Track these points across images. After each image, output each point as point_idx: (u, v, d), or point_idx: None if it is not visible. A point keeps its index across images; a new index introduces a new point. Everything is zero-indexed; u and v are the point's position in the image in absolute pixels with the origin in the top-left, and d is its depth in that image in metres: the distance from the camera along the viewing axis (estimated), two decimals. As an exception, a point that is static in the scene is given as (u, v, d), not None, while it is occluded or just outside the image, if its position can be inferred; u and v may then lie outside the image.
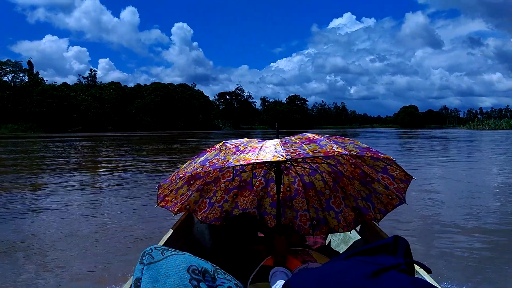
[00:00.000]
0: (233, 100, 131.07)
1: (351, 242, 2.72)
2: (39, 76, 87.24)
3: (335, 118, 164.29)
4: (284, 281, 1.54)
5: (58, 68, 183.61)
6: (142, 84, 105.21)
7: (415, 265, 1.35)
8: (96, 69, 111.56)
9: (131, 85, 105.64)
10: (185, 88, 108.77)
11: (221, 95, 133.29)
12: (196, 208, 2.63)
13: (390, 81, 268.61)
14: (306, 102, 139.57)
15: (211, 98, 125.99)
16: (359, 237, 2.62)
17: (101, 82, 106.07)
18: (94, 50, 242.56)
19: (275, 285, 1.63)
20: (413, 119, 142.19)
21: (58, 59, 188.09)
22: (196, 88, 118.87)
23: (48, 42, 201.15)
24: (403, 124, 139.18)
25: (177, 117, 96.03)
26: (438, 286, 1.31)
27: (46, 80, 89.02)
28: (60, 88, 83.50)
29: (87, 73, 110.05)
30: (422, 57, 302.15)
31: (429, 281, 1.39)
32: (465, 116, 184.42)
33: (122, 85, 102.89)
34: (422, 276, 1.55)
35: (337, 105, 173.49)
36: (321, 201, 2.62)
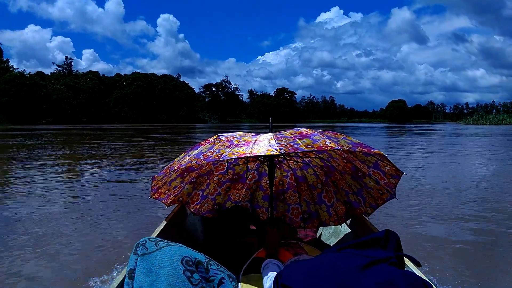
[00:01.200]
0: (220, 93, 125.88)
1: (342, 236, 2.73)
2: (9, 63, 79.72)
3: (323, 112, 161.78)
4: (276, 273, 1.55)
5: (41, 59, 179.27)
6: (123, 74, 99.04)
7: (405, 258, 1.39)
8: (72, 58, 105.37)
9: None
10: (168, 79, 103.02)
11: (207, 87, 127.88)
12: (189, 200, 2.63)
13: (376, 76, 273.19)
14: (295, 95, 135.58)
15: (198, 91, 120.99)
16: (350, 231, 2.65)
17: (77, 71, 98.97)
18: (78, 40, 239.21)
19: (267, 276, 1.65)
20: (401, 114, 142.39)
21: (41, 49, 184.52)
22: (181, 80, 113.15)
23: (31, 32, 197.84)
24: (391, 118, 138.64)
25: (159, 109, 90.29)
26: (426, 279, 1.33)
27: (16, 68, 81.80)
28: (31, 77, 76.76)
29: (62, 62, 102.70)
30: (407, 53, 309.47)
31: (418, 274, 1.44)
32: (451, 111, 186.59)
33: (101, 75, 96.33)
34: (411, 269, 1.59)
35: (325, 99, 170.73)
36: (313, 195, 2.64)
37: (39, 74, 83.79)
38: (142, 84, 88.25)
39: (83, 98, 78.70)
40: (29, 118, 69.26)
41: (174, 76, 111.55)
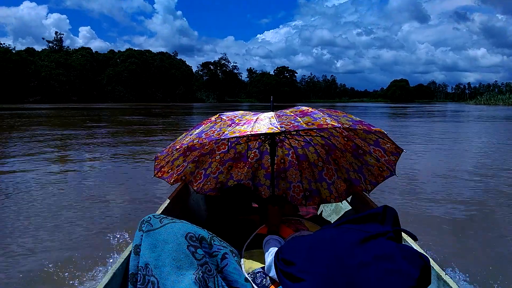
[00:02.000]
0: (218, 71, 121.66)
1: (342, 212, 2.77)
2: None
3: (324, 91, 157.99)
4: (277, 248, 1.58)
5: (37, 36, 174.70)
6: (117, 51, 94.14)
7: (402, 233, 1.42)
8: (62, 33, 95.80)
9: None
10: (164, 56, 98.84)
11: (205, 65, 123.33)
12: (192, 179, 2.66)
13: (377, 55, 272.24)
14: (295, 74, 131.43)
15: (196, 69, 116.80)
16: (350, 208, 2.68)
17: (68, 47, 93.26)
18: (74, 18, 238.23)
19: (268, 251, 1.68)
20: (403, 94, 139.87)
21: (37, 26, 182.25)
22: (178, 57, 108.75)
23: (26, 9, 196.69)
24: (393, 98, 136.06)
25: (155, 88, 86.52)
26: (423, 252, 1.37)
27: (3, 44, 77.19)
28: (17, 53, 72.60)
29: (52, 37, 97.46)
30: (408, 31, 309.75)
31: (415, 248, 1.46)
32: (453, 91, 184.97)
33: (94, 51, 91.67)
34: (408, 243, 1.63)
35: (326, 78, 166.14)
36: (314, 172, 2.65)
37: (29, 50, 79.42)
38: (136, 62, 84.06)
39: (73, 75, 74.16)
40: (15, 96, 65.31)
41: (171, 53, 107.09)
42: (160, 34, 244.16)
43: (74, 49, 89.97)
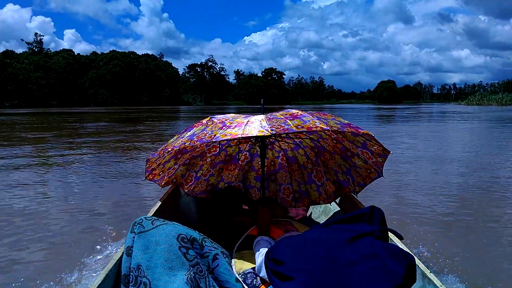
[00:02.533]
0: (205, 73, 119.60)
1: (331, 214, 2.81)
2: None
3: (312, 93, 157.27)
4: (267, 249, 1.60)
5: (22, 40, 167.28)
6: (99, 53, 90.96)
7: (389, 232, 1.45)
8: (42, 34, 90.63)
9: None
10: (149, 58, 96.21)
11: (191, 67, 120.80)
12: (183, 182, 2.67)
13: (362, 57, 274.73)
14: (283, 75, 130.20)
15: (182, 72, 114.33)
16: (339, 209, 2.72)
17: (48, 49, 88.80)
18: (59, 20, 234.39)
19: (259, 252, 1.70)
20: (391, 95, 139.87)
21: (21, 29, 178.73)
22: (164, 59, 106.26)
23: (10, 12, 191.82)
24: (380, 99, 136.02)
25: (139, 91, 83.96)
26: (408, 251, 1.40)
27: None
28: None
29: (31, 39, 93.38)
30: (393, 33, 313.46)
31: (400, 247, 1.51)
32: (439, 92, 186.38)
33: (76, 53, 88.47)
34: (394, 242, 1.67)
35: (314, 80, 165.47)
36: (304, 174, 2.68)
37: (7, 53, 75.79)
38: (120, 64, 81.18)
39: (53, 78, 70.51)
40: (-9, 101, 62.30)
41: (157, 55, 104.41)
42: (146, 36, 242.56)
43: (56, 51, 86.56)
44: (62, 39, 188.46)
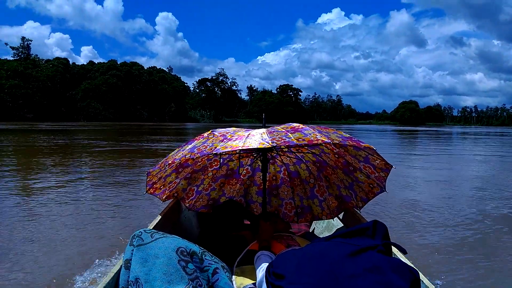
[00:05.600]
0: (216, 88, 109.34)
1: (334, 230, 2.74)
2: None
3: (329, 112, 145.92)
4: (268, 264, 1.57)
5: (40, 55, 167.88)
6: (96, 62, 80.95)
7: (392, 246, 1.41)
8: (30, 39, 77.56)
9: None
10: (154, 70, 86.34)
11: (201, 81, 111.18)
12: (184, 196, 2.64)
13: (375, 78, 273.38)
14: (300, 92, 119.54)
15: (192, 87, 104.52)
16: (342, 225, 2.66)
17: (36, 55, 77.24)
18: (77, 37, 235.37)
19: (259, 267, 1.68)
20: (413, 116, 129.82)
21: (40, 45, 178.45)
22: (173, 73, 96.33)
23: (30, 28, 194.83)
24: (402, 121, 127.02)
25: (140, 105, 73.51)
26: (412, 265, 1.37)
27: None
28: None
29: (49, 55, 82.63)
30: (406, 55, 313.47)
31: (404, 261, 1.46)
32: (459, 115, 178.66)
33: (71, 62, 78.63)
34: (398, 256, 1.64)
35: (331, 98, 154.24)
36: (306, 189, 2.66)
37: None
38: (118, 74, 71.30)
39: (33, 88, 60.50)
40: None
41: (165, 69, 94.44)
42: (161, 55, 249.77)
43: (48, 59, 76.61)
44: (79, 56, 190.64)
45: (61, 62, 73.39)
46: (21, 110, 58.94)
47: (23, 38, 76.97)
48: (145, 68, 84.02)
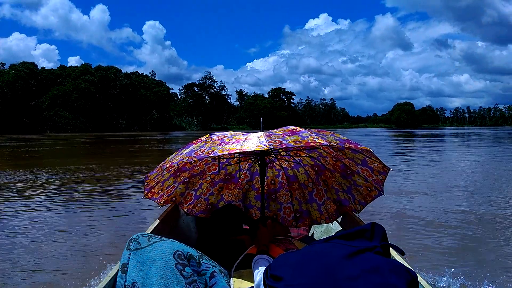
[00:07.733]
0: (203, 94, 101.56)
1: (333, 233, 2.76)
2: None
3: (324, 116, 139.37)
4: (265, 267, 1.57)
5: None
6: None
7: (390, 248, 1.43)
8: None
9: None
10: (133, 74, 78.27)
11: (188, 87, 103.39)
12: (182, 200, 2.62)
13: (363, 82, 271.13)
14: (293, 96, 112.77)
15: (179, 93, 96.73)
16: (341, 228, 2.66)
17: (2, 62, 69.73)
18: (64, 48, 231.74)
19: (257, 271, 1.68)
20: (409, 118, 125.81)
21: (26, 57, 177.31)
22: (156, 78, 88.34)
23: (15, 40, 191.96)
24: (397, 123, 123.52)
25: (116, 113, 65.24)
26: (409, 267, 1.38)
27: None
28: None
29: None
30: (393, 59, 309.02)
31: (402, 262, 1.47)
32: (451, 116, 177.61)
33: (40, 67, 70.16)
34: (395, 258, 1.65)
35: (325, 102, 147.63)
36: (304, 193, 2.65)
37: None
38: (91, 79, 62.99)
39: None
40: None
41: (148, 74, 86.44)
42: (149, 63, 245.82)
43: (13, 64, 67.87)
44: (67, 66, 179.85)
45: (27, 67, 64.96)
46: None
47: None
48: (123, 72, 76.07)
